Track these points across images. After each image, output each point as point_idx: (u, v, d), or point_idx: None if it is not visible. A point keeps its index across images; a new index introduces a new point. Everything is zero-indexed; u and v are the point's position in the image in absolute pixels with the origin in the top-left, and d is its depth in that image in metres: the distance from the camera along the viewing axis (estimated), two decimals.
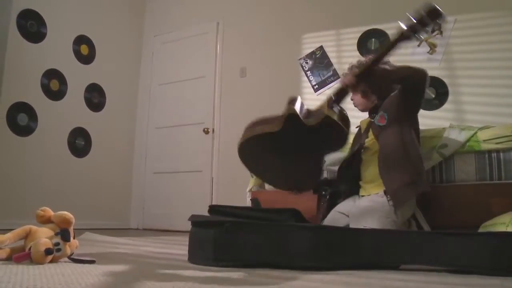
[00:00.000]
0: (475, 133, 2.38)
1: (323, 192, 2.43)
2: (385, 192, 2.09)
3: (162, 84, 5.33)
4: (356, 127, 2.58)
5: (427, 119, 3.62)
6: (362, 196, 2.28)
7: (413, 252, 1.54)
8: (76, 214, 1.76)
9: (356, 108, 2.54)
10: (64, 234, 1.55)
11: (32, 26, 4.29)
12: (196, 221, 1.70)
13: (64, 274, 1.25)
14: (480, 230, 2.00)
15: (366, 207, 2.10)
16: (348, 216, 2.17)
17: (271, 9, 4.69)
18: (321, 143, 2.11)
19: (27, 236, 1.57)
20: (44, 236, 1.52)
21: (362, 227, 1.93)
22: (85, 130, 4.78)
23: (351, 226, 2.04)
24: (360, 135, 2.52)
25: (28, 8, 4.25)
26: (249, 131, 2.10)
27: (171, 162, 5.06)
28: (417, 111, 2.32)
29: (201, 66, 5.05)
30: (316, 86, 4.27)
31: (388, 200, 2.05)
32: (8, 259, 1.51)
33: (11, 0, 4.11)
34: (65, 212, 1.65)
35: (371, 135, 2.33)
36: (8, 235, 1.53)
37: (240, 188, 3.52)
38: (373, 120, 2.35)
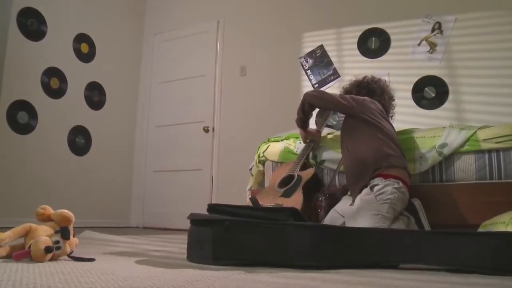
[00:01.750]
0: (475, 132, 2.38)
1: (321, 198, 2.45)
2: (371, 188, 2.12)
3: (162, 82, 5.33)
4: None
5: (427, 118, 3.63)
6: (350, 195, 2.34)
7: (413, 251, 1.54)
8: (76, 212, 1.76)
9: None
10: (64, 232, 1.55)
11: (32, 24, 4.28)
12: (195, 220, 1.70)
13: (64, 272, 1.25)
14: (480, 229, 2.00)
15: (357, 207, 2.12)
16: (344, 216, 2.19)
17: (272, 8, 4.69)
18: None
19: (27, 234, 1.57)
20: (44, 234, 1.52)
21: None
22: (85, 128, 4.78)
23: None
24: None
25: (28, 6, 4.24)
26: None
27: (171, 161, 5.06)
28: (346, 113, 2.52)
29: (201, 64, 5.04)
30: (316, 85, 4.27)
31: (375, 196, 2.07)
32: (8, 257, 1.51)
33: None
34: (65, 210, 1.66)
35: None
36: (8, 233, 1.53)
37: (240, 186, 3.52)
38: None
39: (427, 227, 2.16)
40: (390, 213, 2.06)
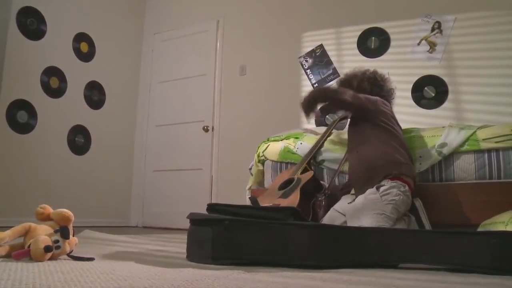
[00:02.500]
0: (475, 132, 2.38)
1: (320, 198, 2.44)
2: (377, 187, 2.11)
3: (162, 82, 5.33)
4: None
5: (426, 118, 3.63)
6: (352, 194, 2.32)
7: (413, 251, 1.54)
8: (76, 211, 1.76)
9: None
10: (63, 232, 1.55)
11: (32, 24, 4.28)
12: (195, 219, 1.70)
13: (64, 272, 1.25)
14: (479, 229, 2.00)
15: (360, 205, 2.11)
16: (344, 215, 2.18)
17: (271, 7, 4.68)
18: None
19: (26, 233, 1.57)
20: (44, 234, 1.52)
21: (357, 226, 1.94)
22: (84, 128, 4.77)
23: (348, 225, 2.05)
24: None
25: (28, 5, 4.24)
26: None
27: (171, 160, 5.06)
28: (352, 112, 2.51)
29: (201, 64, 5.04)
30: (316, 85, 4.27)
31: (380, 196, 2.07)
32: (8, 256, 1.51)
33: None
34: (65, 210, 1.66)
35: None
36: (8, 232, 1.53)
37: (239, 186, 3.52)
38: None
39: (427, 226, 2.16)
40: (394, 214, 2.05)
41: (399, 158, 2.21)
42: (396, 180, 2.12)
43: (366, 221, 1.99)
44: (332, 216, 2.24)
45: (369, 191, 2.14)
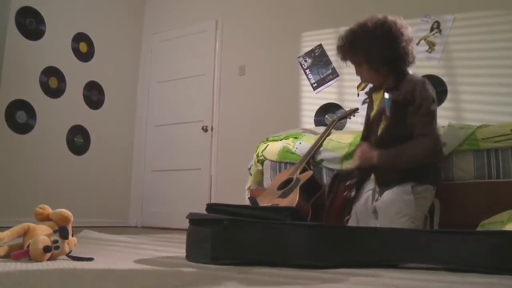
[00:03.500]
0: (474, 131, 2.38)
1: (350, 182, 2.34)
2: (412, 187, 2.02)
3: (161, 82, 5.33)
4: (365, 92, 2.48)
5: None
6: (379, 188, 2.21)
7: (412, 250, 1.54)
8: (75, 211, 1.76)
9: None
10: (62, 232, 1.55)
11: (30, 24, 4.28)
12: (194, 219, 1.70)
13: (63, 272, 1.25)
14: (479, 228, 2.00)
15: (390, 202, 2.02)
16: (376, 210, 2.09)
17: (270, 7, 4.68)
18: None
19: (25, 233, 1.57)
20: (43, 234, 1.52)
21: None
22: (84, 128, 4.77)
23: (380, 223, 1.99)
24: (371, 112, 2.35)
25: (26, 5, 4.24)
26: None
27: (170, 160, 5.06)
28: None
29: (200, 64, 5.04)
30: (315, 84, 4.26)
31: (415, 198, 2.00)
32: (7, 256, 1.51)
33: None
34: (64, 210, 1.66)
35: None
36: (7, 232, 1.53)
37: (238, 186, 3.52)
38: (386, 98, 2.13)
39: (436, 227, 2.15)
40: (419, 218, 2.01)
41: (439, 167, 2.15)
42: (428, 184, 2.05)
43: (398, 224, 1.92)
44: (367, 223, 2.09)
45: (402, 189, 2.02)
